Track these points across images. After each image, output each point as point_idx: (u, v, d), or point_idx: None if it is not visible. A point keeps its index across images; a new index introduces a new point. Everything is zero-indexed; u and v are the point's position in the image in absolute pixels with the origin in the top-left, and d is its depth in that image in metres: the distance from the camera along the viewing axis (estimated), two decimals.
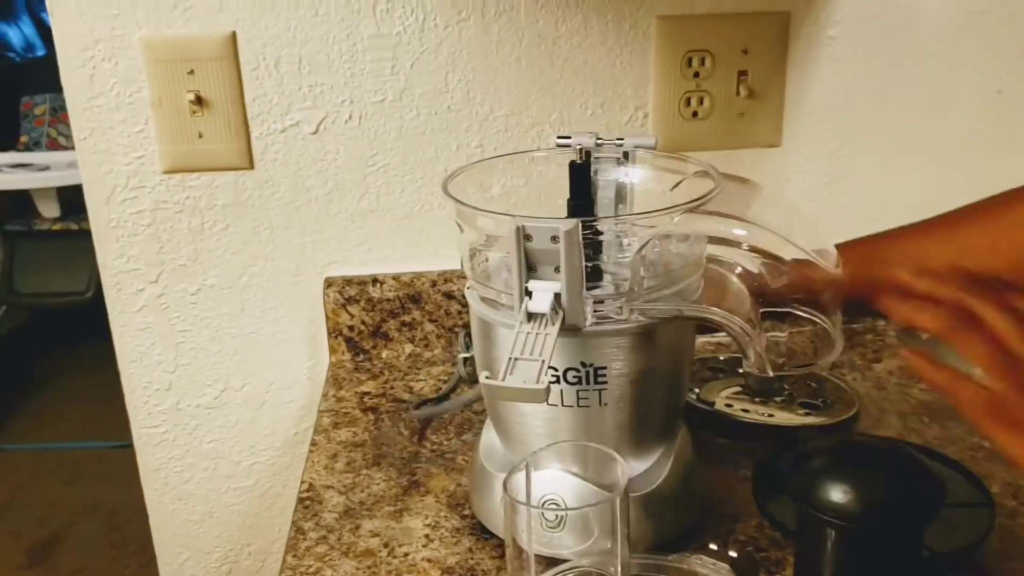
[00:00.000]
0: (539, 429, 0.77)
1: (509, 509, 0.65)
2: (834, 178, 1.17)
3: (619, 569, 0.66)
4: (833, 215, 1.17)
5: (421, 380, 1.11)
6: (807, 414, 0.98)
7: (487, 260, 0.79)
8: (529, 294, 0.70)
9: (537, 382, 0.64)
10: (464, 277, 0.80)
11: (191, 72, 1.06)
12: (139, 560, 2.48)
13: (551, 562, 0.72)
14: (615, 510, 0.65)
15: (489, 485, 0.81)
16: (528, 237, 0.69)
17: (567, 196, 0.81)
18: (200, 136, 1.08)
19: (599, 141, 0.82)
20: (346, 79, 1.07)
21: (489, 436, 0.84)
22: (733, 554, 0.76)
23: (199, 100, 1.06)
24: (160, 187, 1.10)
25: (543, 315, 0.69)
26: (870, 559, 0.66)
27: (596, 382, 0.74)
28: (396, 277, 1.14)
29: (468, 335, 0.96)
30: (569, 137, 0.82)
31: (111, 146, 1.08)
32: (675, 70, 1.10)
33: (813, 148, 1.15)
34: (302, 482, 0.93)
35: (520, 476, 0.68)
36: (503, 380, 0.65)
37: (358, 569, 0.80)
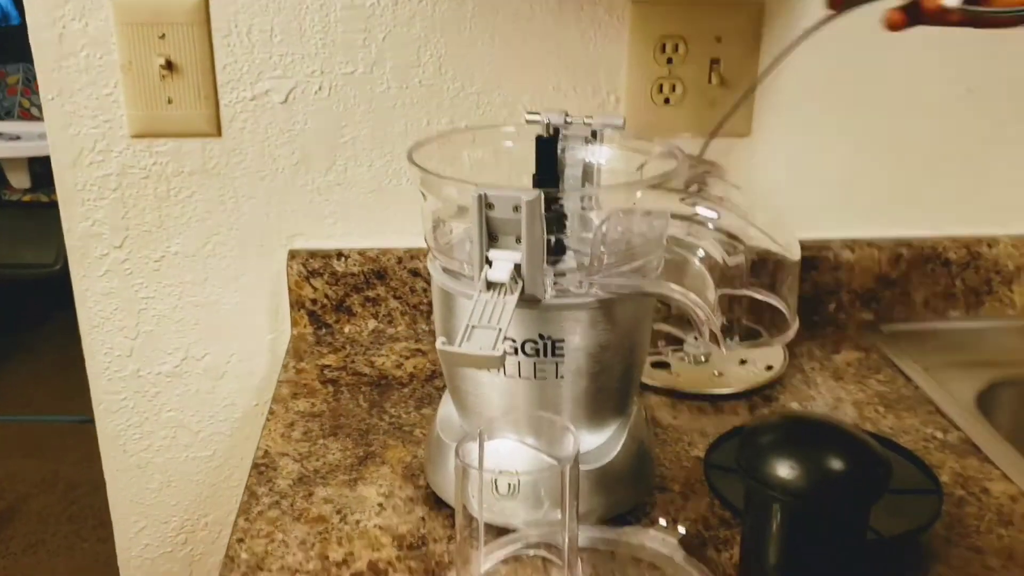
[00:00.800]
0: (495, 400, 0.77)
1: (461, 476, 0.65)
2: (802, 170, 1.17)
3: (567, 540, 0.66)
4: (800, 206, 1.18)
5: (383, 356, 1.10)
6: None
7: (451, 231, 0.79)
8: (489, 263, 0.70)
9: (493, 349, 0.64)
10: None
11: (162, 36, 1.05)
12: (98, 535, 2.46)
13: (501, 531, 0.73)
14: (565, 480, 0.65)
15: (444, 456, 0.81)
16: (490, 206, 0.69)
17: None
18: (169, 101, 1.07)
19: (568, 119, 0.82)
20: (317, 49, 1.07)
21: (447, 408, 0.85)
22: (682, 530, 0.76)
23: (169, 65, 1.06)
24: (127, 152, 1.09)
25: (502, 284, 0.69)
26: (815, 537, 0.66)
27: (553, 354, 0.74)
28: (362, 252, 1.14)
29: None
30: (538, 113, 0.82)
31: (78, 108, 1.07)
32: (648, 55, 1.10)
33: (782, 139, 1.16)
34: (258, 448, 0.92)
35: (473, 444, 0.68)
36: (459, 347, 0.65)
37: (309, 534, 0.80)
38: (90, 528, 2.50)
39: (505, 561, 0.72)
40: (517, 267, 0.69)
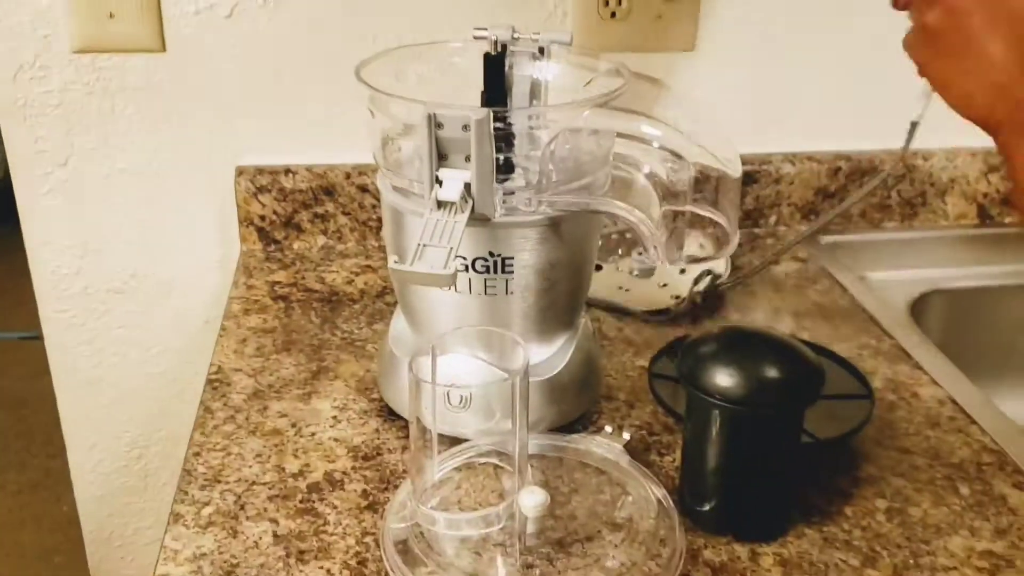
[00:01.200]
0: (447, 316, 0.79)
1: (414, 389, 0.67)
2: (745, 87, 1.19)
3: (517, 447, 0.69)
4: (742, 120, 1.20)
5: (334, 272, 1.12)
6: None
7: (399, 149, 0.80)
8: (440, 182, 0.71)
9: (444, 268, 0.66)
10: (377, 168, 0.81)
11: None
12: (48, 451, 2.47)
13: (454, 441, 0.75)
14: (515, 392, 0.67)
15: (397, 369, 0.83)
16: (439, 125, 0.70)
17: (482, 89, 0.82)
18: (111, 16, 1.06)
19: (515, 35, 0.83)
20: None
21: (399, 323, 0.86)
22: (627, 436, 0.79)
23: None
24: (69, 67, 1.08)
25: (452, 203, 0.70)
26: (752, 441, 0.70)
27: (503, 271, 0.76)
28: (309, 168, 1.14)
29: None
30: (486, 29, 0.82)
31: (17, 22, 1.05)
32: None
33: (726, 55, 1.17)
34: (211, 364, 0.94)
35: (426, 359, 0.70)
36: (411, 265, 0.66)
37: (265, 447, 0.82)
38: (40, 444, 2.50)
39: (458, 468, 0.75)
40: (467, 186, 0.71)
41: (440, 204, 0.70)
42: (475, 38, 0.82)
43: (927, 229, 1.25)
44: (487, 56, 0.80)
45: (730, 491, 0.72)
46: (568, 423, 0.82)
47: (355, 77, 0.76)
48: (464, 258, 0.75)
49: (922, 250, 1.22)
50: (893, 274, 1.17)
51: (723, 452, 0.70)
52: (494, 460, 0.75)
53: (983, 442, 0.84)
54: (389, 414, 0.86)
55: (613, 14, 1.13)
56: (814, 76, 1.20)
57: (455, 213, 0.70)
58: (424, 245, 0.68)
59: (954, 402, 0.89)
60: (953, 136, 1.24)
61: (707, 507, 0.72)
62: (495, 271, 0.76)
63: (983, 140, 1.25)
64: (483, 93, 0.81)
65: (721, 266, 1.10)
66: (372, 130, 0.79)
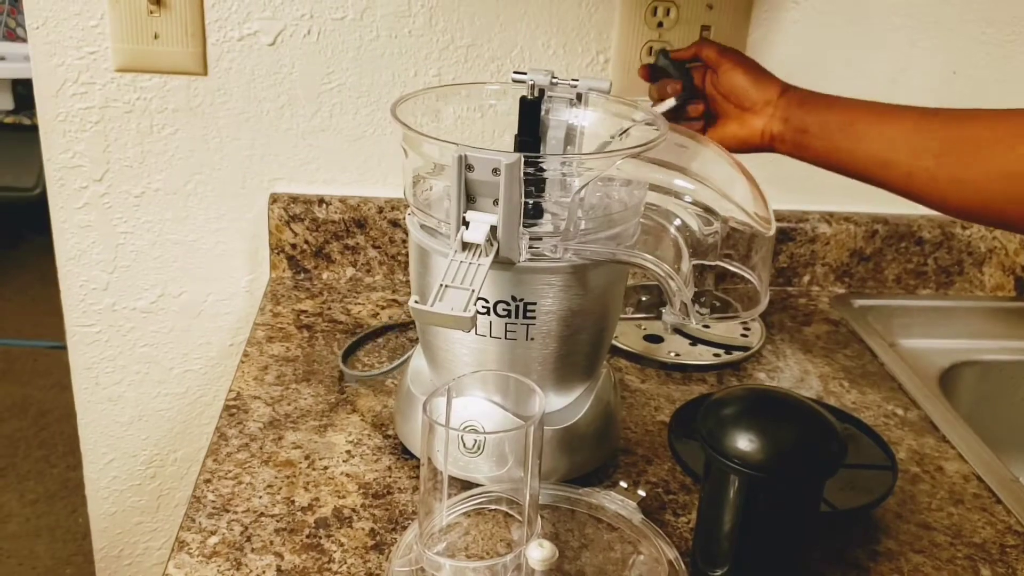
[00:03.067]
0: (466, 358, 0.78)
1: (427, 430, 0.66)
2: None
3: (528, 497, 0.68)
4: (779, 178, 1.19)
5: (360, 304, 1.11)
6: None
7: (430, 188, 0.80)
8: (466, 224, 0.70)
9: (465, 310, 0.65)
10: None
11: None
12: (68, 461, 2.47)
13: (464, 485, 0.74)
14: (529, 440, 0.66)
15: (413, 408, 0.82)
16: (470, 167, 0.69)
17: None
18: (156, 37, 1.07)
19: (554, 80, 0.82)
20: None
21: (418, 361, 0.86)
22: (642, 493, 0.78)
23: (157, 0, 1.05)
24: (111, 85, 1.09)
25: (478, 246, 0.70)
26: (769, 508, 0.68)
27: (525, 316, 0.75)
28: (343, 199, 1.14)
29: None
30: (525, 73, 0.82)
31: (64, 38, 1.06)
32: (639, 18, 1.10)
33: None
34: (230, 390, 0.93)
35: (441, 400, 0.70)
36: (431, 306, 0.66)
37: (276, 478, 0.81)
38: (60, 455, 2.51)
39: (467, 514, 0.74)
40: (493, 229, 0.70)
41: (465, 246, 0.70)
42: (513, 80, 0.82)
43: (962, 299, 1.23)
44: (523, 100, 0.80)
45: (744, 557, 0.70)
46: (583, 475, 0.81)
47: (391, 115, 0.76)
48: (486, 301, 0.74)
49: (956, 320, 1.20)
50: (925, 342, 1.15)
51: (739, 517, 0.68)
52: (504, 508, 0.74)
53: (1008, 523, 0.82)
54: (403, 452, 0.85)
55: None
56: None
57: (479, 256, 0.69)
58: (446, 286, 0.67)
59: (980, 479, 0.87)
60: None
61: (719, 572, 0.71)
62: (516, 316, 0.75)
63: None
64: (517, 136, 0.81)
65: (757, 330, 1.09)
66: (404, 168, 0.79)
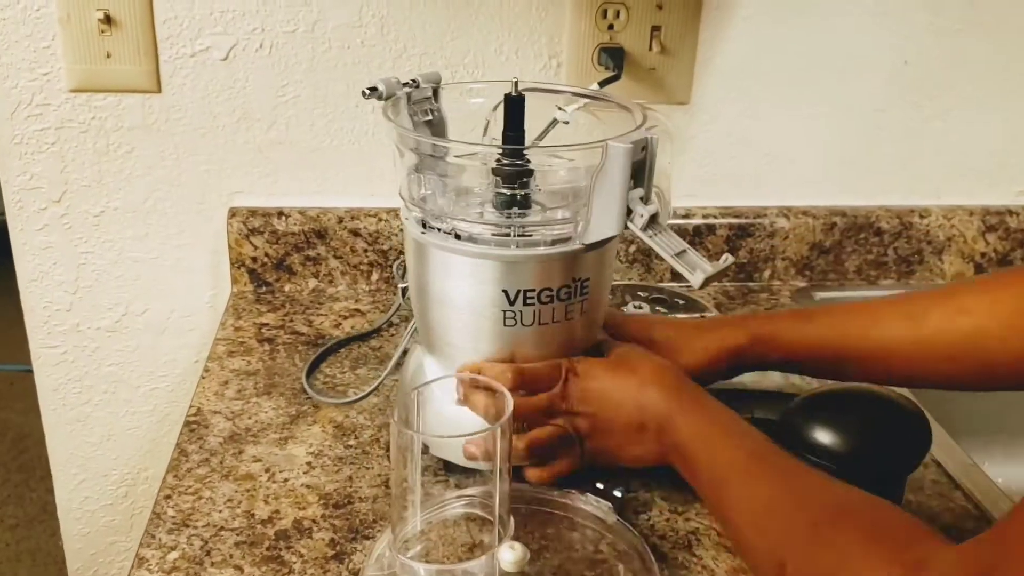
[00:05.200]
0: (485, 347, 0.80)
1: (396, 436, 0.67)
2: (740, 138, 1.19)
3: (497, 498, 0.68)
4: (737, 174, 1.20)
5: (323, 315, 1.11)
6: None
7: (423, 185, 0.81)
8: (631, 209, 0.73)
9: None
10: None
11: None
12: (47, 485, 2.43)
13: (436, 489, 0.74)
14: (497, 441, 0.66)
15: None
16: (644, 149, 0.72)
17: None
18: (108, 56, 1.07)
19: (404, 83, 0.85)
20: (258, 7, 1.07)
21: (417, 359, 0.86)
22: (618, 494, 0.78)
23: (108, 19, 1.05)
24: (66, 106, 1.09)
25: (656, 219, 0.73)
26: None
27: (581, 294, 0.78)
28: (302, 211, 1.14)
29: (406, 267, 0.97)
30: (376, 87, 0.83)
31: (15, 61, 1.06)
32: (590, 21, 1.11)
33: (721, 107, 1.17)
34: (190, 406, 0.93)
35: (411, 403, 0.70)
36: (711, 267, 0.71)
37: (236, 492, 0.81)
38: (38, 478, 2.50)
39: (440, 519, 0.74)
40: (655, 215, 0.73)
41: (651, 221, 0.72)
42: (365, 97, 0.83)
43: (923, 288, 1.24)
44: (507, 96, 0.80)
45: None
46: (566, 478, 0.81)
47: (383, 117, 0.79)
48: (551, 289, 0.77)
49: None
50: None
51: None
52: (478, 511, 0.74)
53: (966, 507, 0.82)
54: (364, 462, 0.85)
55: (607, 66, 1.13)
56: (811, 130, 1.19)
57: (658, 230, 0.73)
58: (680, 253, 0.72)
59: (938, 464, 0.88)
60: (950, 195, 1.24)
61: None
62: (574, 296, 0.78)
63: (981, 199, 1.25)
64: (504, 131, 0.81)
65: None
66: (398, 167, 0.81)
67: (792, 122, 1.19)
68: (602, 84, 0.99)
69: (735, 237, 1.20)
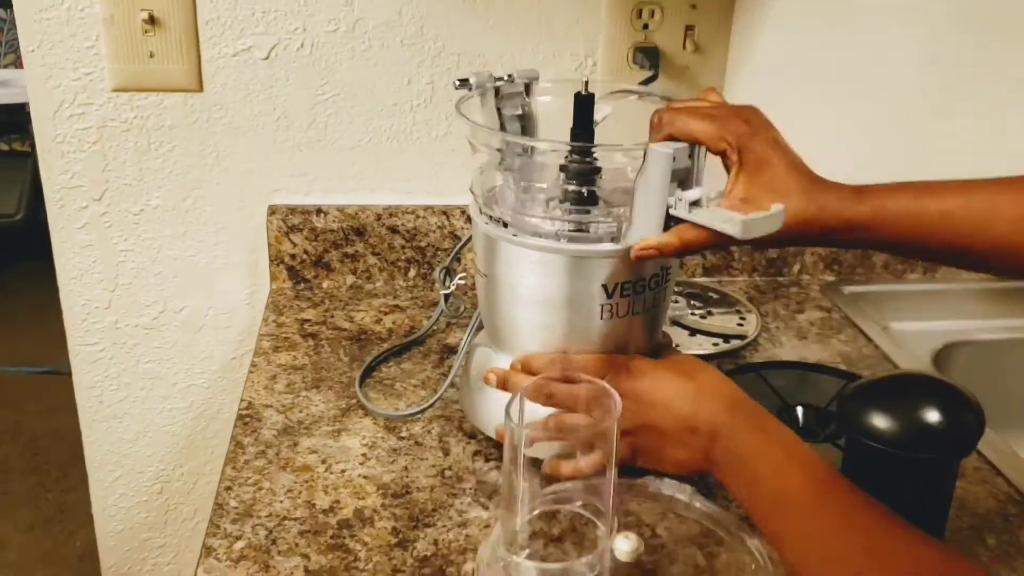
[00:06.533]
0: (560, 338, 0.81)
1: (510, 436, 0.68)
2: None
3: (611, 493, 0.69)
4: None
5: (363, 311, 1.13)
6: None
7: (494, 181, 0.83)
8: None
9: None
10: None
11: None
12: (62, 486, 2.47)
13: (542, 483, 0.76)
14: (611, 438, 0.68)
15: (486, 394, 0.85)
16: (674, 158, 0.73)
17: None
18: (151, 56, 1.08)
19: (497, 78, 0.87)
20: (300, 7, 1.08)
21: (483, 349, 0.88)
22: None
23: (152, 19, 1.06)
24: (108, 105, 1.10)
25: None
26: (911, 484, 0.70)
27: (665, 281, 0.81)
28: (341, 208, 1.16)
29: (447, 271, 0.99)
30: (467, 79, 0.85)
31: (59, 60, 1.08)
32: (625, 20, 1.13)
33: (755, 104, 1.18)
34: (242, 400, 0.95)
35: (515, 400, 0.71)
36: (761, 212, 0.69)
37: (295, 483, 0.82)
38: (53, 479, 2.50)
39: (546, 513, 0.75)
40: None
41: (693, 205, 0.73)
42: (456, 88, 0.85)
43: (949, 281, 1.26)
44: (577, 96, 0.81)
45: None
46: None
47: (456, 113, 0.81)
48: (643, 280, 0.79)
49: (944, 302, 1.23)
50: (916, 325, 1.18)
51: (879, 496, 0.66)
52: (579, 505, 0.75)
53: (1009, 492, 0.84)
54: (419, 453, 0.86)
55: (641, 65, 1.15)
56: (841, 130, 1.21)
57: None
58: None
59: (979, 453, 0.89)
60: None
61: None
62: (656, 286, 0.80)
63: None
64: (572, 130, 0.82)
65: (752, 321, 1.11)
66: (473, 164, 0.83)
67: (821, 121, 1.20)
68: (642, 84, 1.01)
69: None
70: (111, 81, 1.09)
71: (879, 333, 1.11)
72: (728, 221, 0.69)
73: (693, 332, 1.07)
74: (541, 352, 0.81)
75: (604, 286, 0.78)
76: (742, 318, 1.10)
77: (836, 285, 1.23)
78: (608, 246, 0.77)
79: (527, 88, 0.87)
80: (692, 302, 1.12)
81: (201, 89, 1.10)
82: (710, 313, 1.11)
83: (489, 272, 0.83)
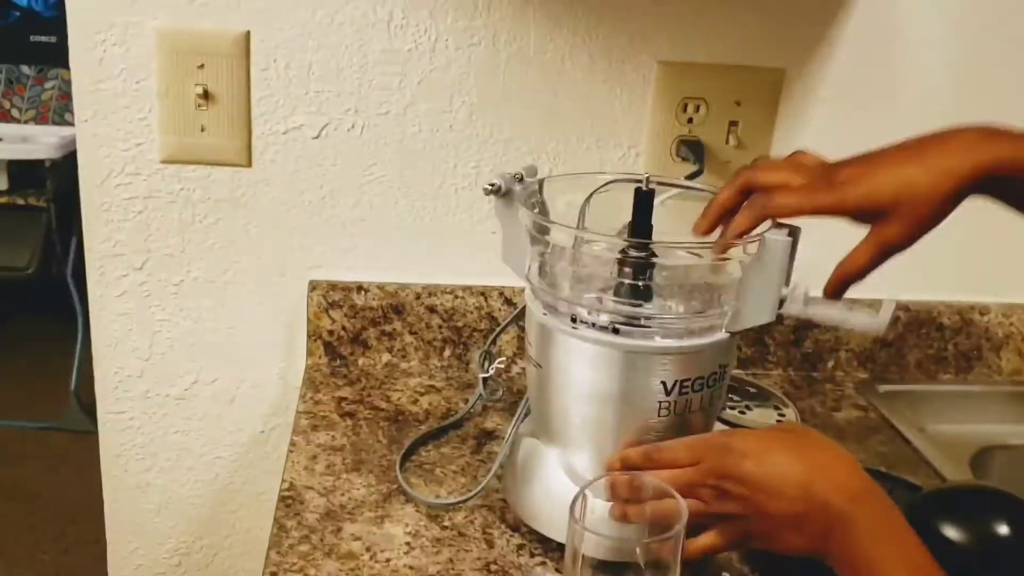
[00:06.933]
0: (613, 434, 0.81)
1: (572, 535, 0.68)
2: (812, 238, 1.21)
3: None
4: (802, 267, 1.22)
5: (399, 391, 1.12)
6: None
7: (552, 270, 0.84)
8: None
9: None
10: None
11: (201, 66, 1.07)
12: (59, 546, 2.43)
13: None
14: (677, 548, 0.68)
15: (533, 486, 0.86)
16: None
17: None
18: (202, 129, 1.09)
19: (520, 178, 0.87)
20: (353, 89, 1.09)
21: (530, 440, 0.88)
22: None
23: (206, 94, 1.07)
24: (156, 176, 1.11)
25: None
26: None
27: (722, 379, 0.81)
28: (381, 286, 1.16)
29: (487, 355, 0.99)
30: (495, 184, 0.86)
31: (111, 131, 1.08)
32: (670, 114, 1.14)
33: None
34: (283, 480, 0.94)
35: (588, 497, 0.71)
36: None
37: (341, 570, 0.81)
38: (50, 539, 2.46)
39: None
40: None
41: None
42: (486, 193, 0.86)
43: (981, 383, 1.26)
44: (638, 191, 0.82)
45: None
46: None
47: (522, 206, 0.83)
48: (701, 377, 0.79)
49: (979, 404, 1.23)
50: (951, 427, 1.18)
51: None
52: None
53: None
54: (463, 544, 0.85)
55: (685, 158, 1.16)
56: None
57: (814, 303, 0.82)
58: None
59: None
60: (1010, 292, 1.27)
61: None
62: (714, 383, 0.80)
63: None
64: (631, 224, 0.83)
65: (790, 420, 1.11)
66: (532, 254, 0.84)
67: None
68: (688, 178, 1.02)
69: (801, 328, 1.22)
70: (160, 153, 1.10)
71: (916, 435, 1.10)
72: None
73: (734, 427, 1.07)
74: (627, 447, 0.79)
75: (664, 383, 0.78)
76: (781, 414, 1.10)
77: (871, 383, 1.23)
78: (671, 342, 0.77)
79: (540, 185, 0.89)
80: (731, 396, 1.12)
81: (250, 164, 1.11)
82: (748, 408, 1.10)
83: (543, 362, 0.83)
